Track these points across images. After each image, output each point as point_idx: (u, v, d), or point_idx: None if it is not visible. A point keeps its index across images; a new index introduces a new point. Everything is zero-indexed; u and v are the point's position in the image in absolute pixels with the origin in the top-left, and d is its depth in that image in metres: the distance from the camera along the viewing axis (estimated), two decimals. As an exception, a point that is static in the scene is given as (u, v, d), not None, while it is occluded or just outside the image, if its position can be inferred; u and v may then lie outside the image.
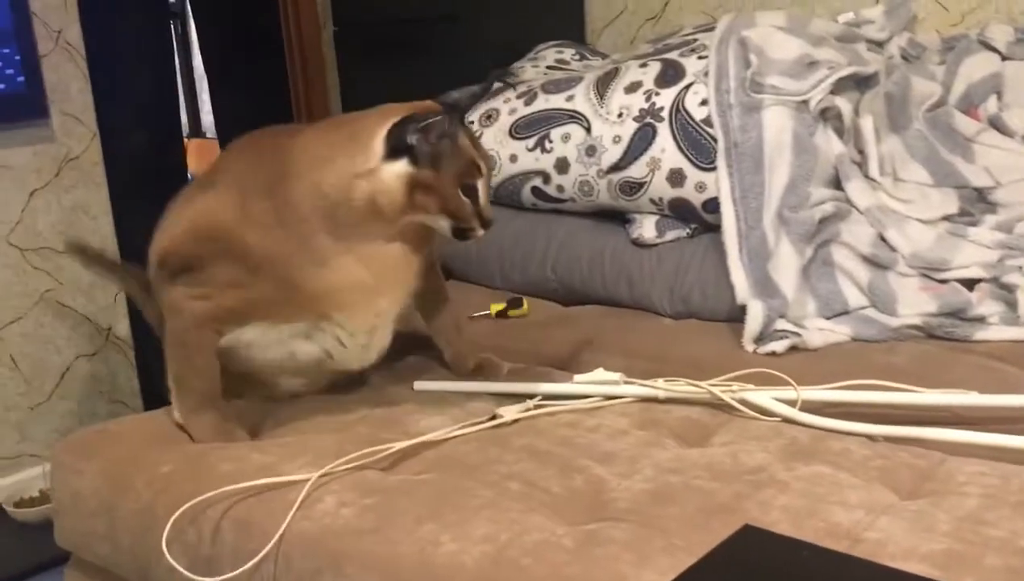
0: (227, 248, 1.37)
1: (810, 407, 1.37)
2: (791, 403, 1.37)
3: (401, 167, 1.32)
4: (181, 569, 1.18)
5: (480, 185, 1.37)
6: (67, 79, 2.49)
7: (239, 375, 1.49)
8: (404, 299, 1.45)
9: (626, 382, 1.46)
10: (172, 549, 1.21)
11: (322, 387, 1.55)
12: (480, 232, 1.38)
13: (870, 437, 1.29)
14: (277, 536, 1.15)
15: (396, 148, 1.32)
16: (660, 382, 1.45)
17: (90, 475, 1.41)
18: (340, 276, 1.36)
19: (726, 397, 1.39)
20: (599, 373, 1.47)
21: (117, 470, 1.38)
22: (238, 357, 1.47)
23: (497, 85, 1.42)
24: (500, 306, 1.98)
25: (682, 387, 1.44)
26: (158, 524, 1.26)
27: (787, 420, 1.36)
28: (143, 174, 2.89)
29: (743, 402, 1.39)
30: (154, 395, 2.45)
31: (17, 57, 2.35)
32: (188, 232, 1.42)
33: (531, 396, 1.46)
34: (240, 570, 1.16)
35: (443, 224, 1.37)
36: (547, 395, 1.47)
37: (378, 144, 1.33)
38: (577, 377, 1.48)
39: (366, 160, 1.33)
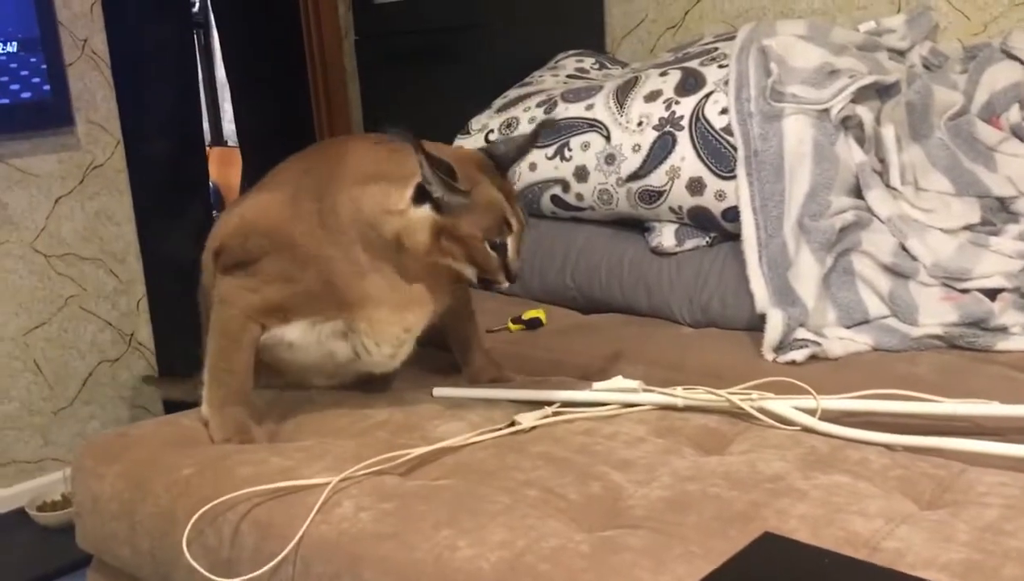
0: (277, 243, 1.43)
1: (830, 417, 1.36)
2: (811, 412, 1.37)
3: (426, 213, 1.35)
4: (201, 569, 1.19)
5: (510, 241, 1.38)
6: (92, 87, 2.53)
7: (270, 367, 1.53)
8: (431, 319, 1.48)
9: (645, 390, 1.46)
10: (192, 551, 1.22)
11: (347, 384, 1.59)
12: (505, 284, 1.40)
13: (889, 447, 1.28)
14: (296, 539, 1.15)
15: (423, 195, 1.35)
16: (679, 390, 1.45)
17: (111, 478, 1.42)
18: (371, 291, 1.41)
19: (745, 406, 1.39)
20: (618, 381, 1.47)
21: (137, 473, 1.39)
22: (278, 358, 1.52)
23: (540, 128, 1.44)
24: (519, 326, 1.97)
25: (701, 395, 1.43)
26: (178, 527, 1.28)
27: (807, 429, 1.35)
28: (166, 182, 2.92)
29: (762, 411, 1.39)
30: (175, 401, 2.47)
31: (44, 66, 2.38)
32: (241, 227, 1.49)
33: (549, 403, 1.46)
34: (259, 572, 1.17)
35: (468, 271, 1.39)
36: (565, 403, 1.47)
37: (411, 183, 1.35)
38: (596, 385, 1.48)
39: (398, 200, 1.37)
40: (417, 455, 1.29)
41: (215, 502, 1.23)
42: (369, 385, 1.59)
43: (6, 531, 2.36)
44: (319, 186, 1.44)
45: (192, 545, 1.23)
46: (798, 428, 1.36)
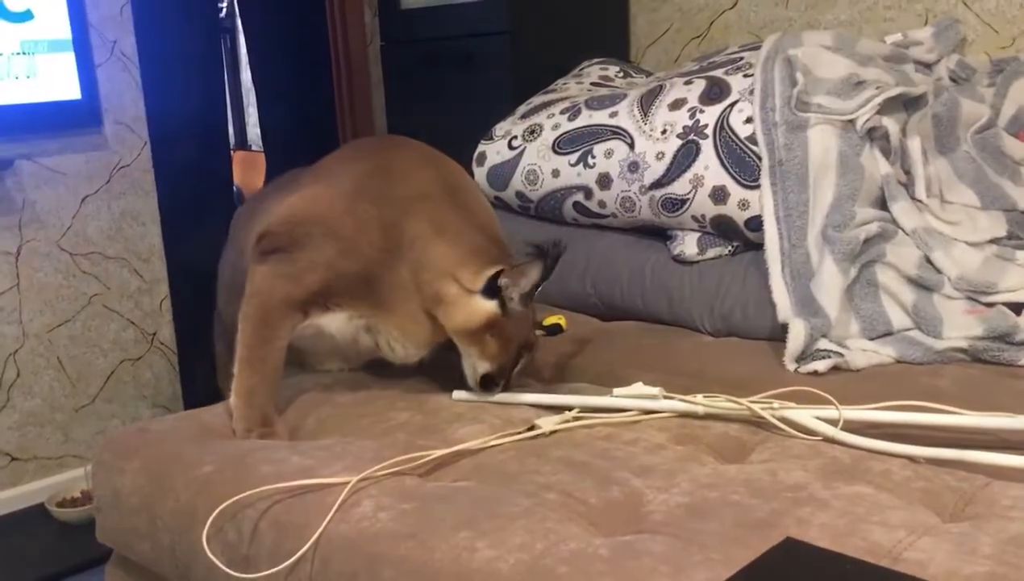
0: (327, 232, 1.48)
1: (853, 428, 1.36)
2: (833, 423, 1.36)
3: (492, 306, 1.46)
4: (221, 565, 1.20)
5: (524, 358, 1.53)
6: (121, 89, 2.55)
7: (291, 348, 1.56)
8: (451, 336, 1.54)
9: (665, 397, 1.46)
10: (211, 547, 1.22)
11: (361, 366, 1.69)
12: (496, 393, 1.50)
13: (912, 459, 1.27)
14: (314, 538, 1.16)
15: (491, 288, 1.46)
16: (699, 398, 1.44)
17: (131, 474, 1.43)
18: (404, 305, 1.49)
19: (767, 414, 1.38)
20: (638, 387, 1.47)
21: (158, 469, 1.40)
22: (304, 343, 1.57)
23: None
24: (540, 332, 1.97)
25: (722, 403, 1.43)
26: (198, 524, 1.28)
27: (828, 440, 1.34)
28: (191, 184, 2.93)
29: (784, 420, 1.38)
30: (196, 401, 2.49)
31: (74, 66, 2.41)
32: (291, 214, 1.52)
33: (569, 408, 1.46)
34: (277, 569, 1.17)
35: (483, 368, 1.49)
36: (585, 408, 1.47)
37: (483, 270, 1.47)
38: (616, 391, 1.48)
39: (470, 280, 1.47)
40: (437, 457, 1.30)
41: (235, 499, 1.24)
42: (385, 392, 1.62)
43: (26, 527, 2.38)
44: (383, 196, 1.50)
45: (211, 541, 1.23)
46: (819, 438, 1.35)
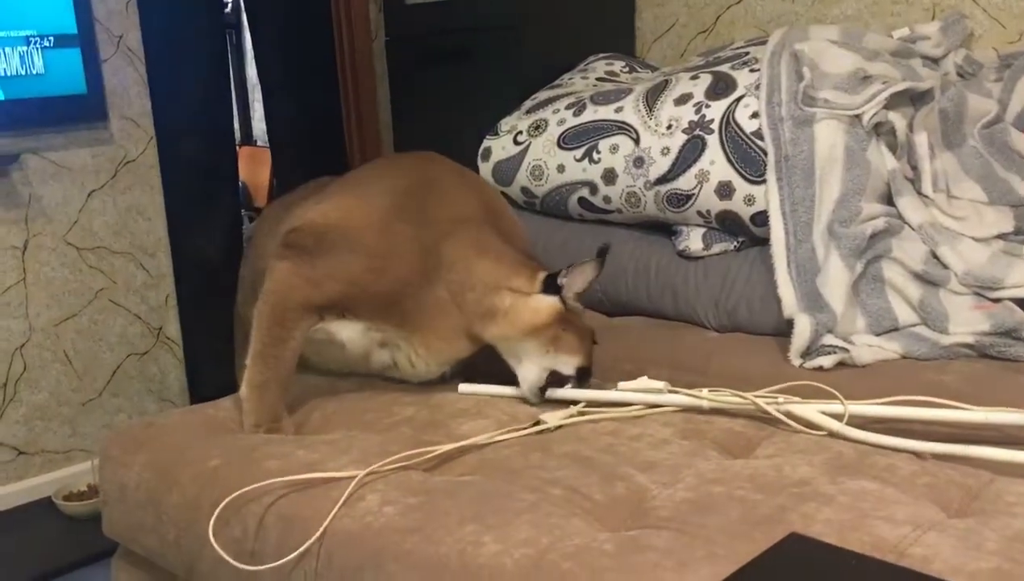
0: (355, 246, 1.48)
1: (858, 423, 1.35)
2: (838, 417, 1.36)
3: (555, 301, 1.49)
4: (228, 558, 1.20)
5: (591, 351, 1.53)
6: (126, 83, 2.56)
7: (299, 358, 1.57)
8: (474, 352, 1.56)
9: (670, 391, 1.46)
10: (217, 541, 1.22)
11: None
12: (568, 387, 1.49)
13: (917, 454, 1.27)
14: (320, 530, 1.16)
15: (549, 286, 1.49)
16: (705, 392, 1.44)
17: (137, 468, 1.43)
18: (435, 323, 1.49)
19: (771, 409, 1.38)
20: (643, 381, 1.47)
21: (164, 464, 1.41)
22: (315, 347, 1.56)
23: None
24: None
25: (727, 398, 1.43)
26: (204, 518, 1.29)
27: (833, 434, 1.34)
28: (197, 179, 2.93)
29: (789, 415, 1.38)
30: (202, 395, 2.49)
31: (80, 61, 2.42)
32: (323, 223, 1.51)
33: (575, 402, 1.46)
34: (283, 561, 1.17)
35: (562, 365, 1.49)
36: (591, 402, 1.47)
37: (531, 274, 1.50)
38: (621, 384, 1.48)
39: (525, 284, 1.50)
40: (443, 451, 1.30)
41: (242, 491, 1.24)
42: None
43: (33, 520, 2.39)
44: (422, 217, 1.51)
45: (217, 536, 1.24)
46: (824, 433, 1.35)
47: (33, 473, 2.49)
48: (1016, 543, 1.02)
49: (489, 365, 1.58)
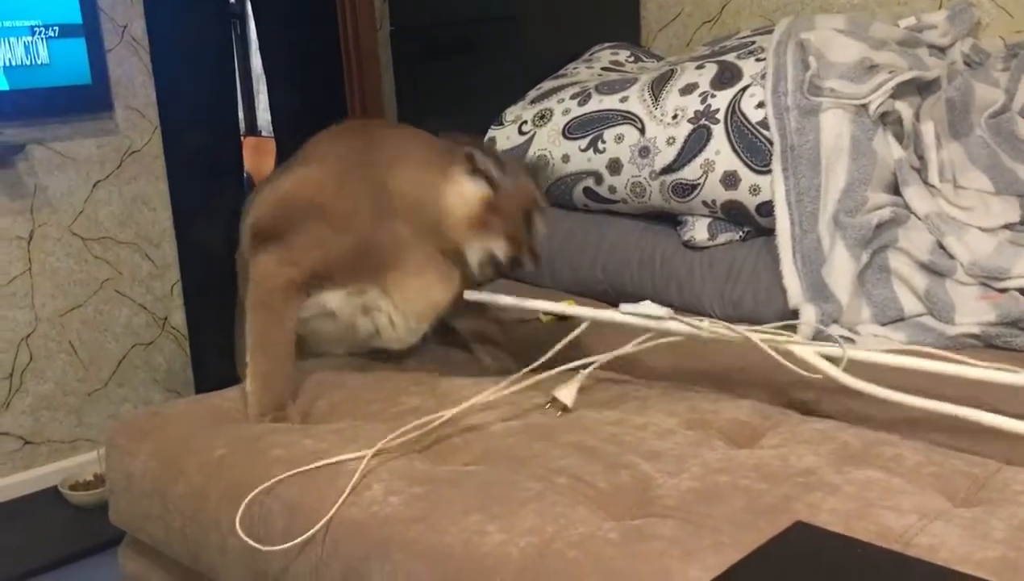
0: (319, 213, 1.52)
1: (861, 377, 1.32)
2: (836, 362, 1.33)
3: (480, 188, 1.51)
4: (247, 539, 1.20)
5: (537, 217, 1.54)
6: (131, 73, 2.56)
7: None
8: (453, 301, 1.57)
9: (671, 318, 1.43)
10: (222, 530, 1.23)
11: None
12: (530, 267, 1.54)
13: (910, 406, 1.26)
14: (326, 519, 1.16)
15: (474, 171, 1.51)
16: (706, 322, 1.43)
17: (143, 457, 1.44)
18: (406, 260, 1.52)
19: (766, 347, 1.35)
20: (646, 305, 1.46)
21: (170, 453, 1.41)
22: (307, 327, 1.59)
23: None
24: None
25: (723, 331, 1.40)
26: (210, 507, 1.29)
27: (829, 378, 1.32)
28: (202, 169, 2.94)
29: (787, 354, 1.35)
30: (207, 385, 2.50)
31: (84, 51, 2.42)
32: (282, 201, 1.57)
33: (570, 320, 1.48)
34: (290, 543, 1.18)
35: (503, 249, 1.52)
36: (594, 321, 1.48)
37: (459, 164, 1.52)
38: (623, 306, 1.47)
39: (453, 178, 1.52)
40: (449, 416, 1.32)
41: (263, 486, 1.24)
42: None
43: (40, 510, 2.40)
44: (367, 163, 1.55)
45: (222, 524, 1.24)
46: (819, 375, 1.33)
47: (39, 463, 2.50)
48: (1023, 532, 1.01)
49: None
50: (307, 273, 1.51)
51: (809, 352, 1.35)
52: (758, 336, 1.38)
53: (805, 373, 1.34)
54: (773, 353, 1.36)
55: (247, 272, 1.60)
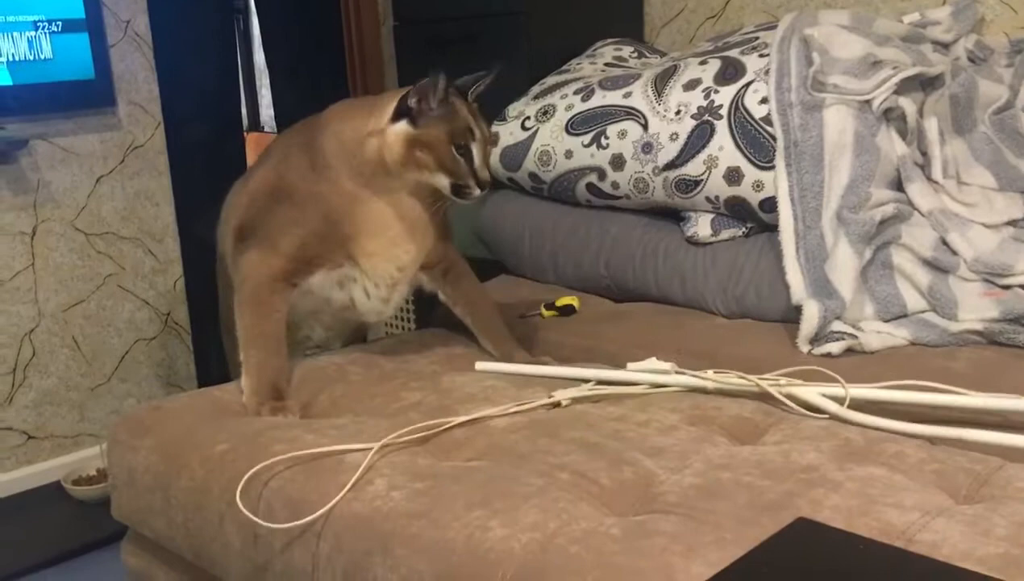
0: (279, 196, 1.58)
1: (863, 408, 1.35)
2: (839, 400, 1.35)
3: (402, 127, 1.52)
4: (254, 517, 1.20)
5: (474, 148, 1.54)
6: (134, 69, 2.56)
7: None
8: (421, 256, 1.62)
9: (677, 372, 1.46)
10: (225, 523, 1.23)
11: (344, 338, 1.82)
12: (476, 191, 1.53)
13: (913, 436, 1.27)
14: (330, 505, 1.17)
15: (400, 112, 1.53)
16: (710, 373, 1.44)
17: (145, 452, 1.44)
18: (363, 220, 1.55)
19: (773, 391, 1.38)
20: (651, 362, 1.48)
21: (172, 447, 1.41)
22: (300, 305, 1.63)
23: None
24: (552, 312, 1.97)
25: (731, 379, 1.42)
26: (212, 502, 1.29)
27: (834, 417, 1.34)
28: (204, 164, 2.94)
29: (790, 397, 1.37)
30: (210, 380, 2.50)
31: (88, 46, 2.41)
32: (251, 197, 1.63)
33: (585, 381, 1.47)
34: (292, 524, 1.18)
35: (443, 181, 1.53)
36: (601, 381, 1.48)
37: (389, 110, 1.54)
38: (630, 365, 1.49)
39: (377, 121, 1.54)
40: (456, 426, 1.32)
41: (266, 463, 1.24)
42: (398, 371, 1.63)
43: (42, 504, 2.40)
44: (306, 140, 1.60)
45: (225, 517, 1.24)
46: (826, 416, 1.34)
47: (42, 458, 2.50)
48: (1025, 529, 1.01)
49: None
50: (287, 258, 1.55)
51: (813, 393, 1.37)
52: (765, 383, 1.41)
53: (812, 415, 1.36)
54: (779, 396, 1.38)
55: (227, 277, 1.63)
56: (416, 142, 1.52)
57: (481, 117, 1.59)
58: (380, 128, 1.54)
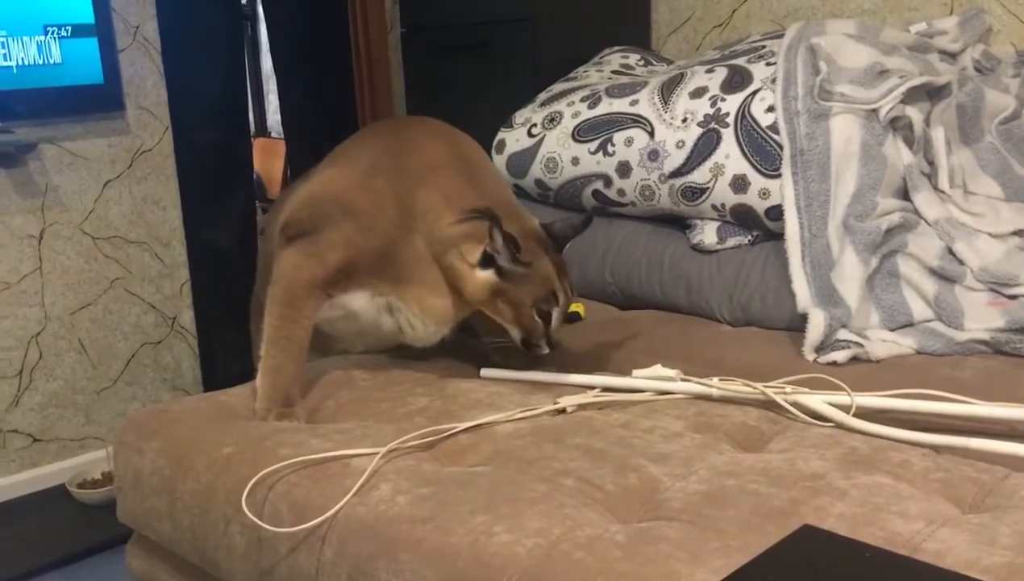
0: (346, 212, 1.52)
1: (868, 416, 1.35)
2: (845, 409, 1.35)
3: (490, 276, 1.48)
4: (259, 521, 1.21)
5: (555, 313, 1.51)
6: (143, 73, 2.57)
7: (319, 332, 1.60)
8: (470, 311, 1.58)
9: (682, 379, 1.46)
10: (230, 527, 1.23)
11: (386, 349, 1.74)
12: (545, 350, 1.51)
13: (920, 445, 1.27)
14: (335, 509, 1.17)
15: (489, 259, 1.48)
16: (715, 381, 1.44)
17: (151, 454, 1.44)
18: (426, 279, 1.52)
19: (779, 399, 1.38)
20: (657, 369, 1.48)
21: (178, 450, 1.41)
22: (332, 326, 1.61)
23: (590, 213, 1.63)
24: None
25: (736, 387, 1.42)
26: (217, 505, 1.30)
27: (839, 425, 1.34)
28: (212, 169, 2.95)
29: (795, 405, 1.37)
30: (215, 385, 2.51)
31: (97, 51, 2.43)
32: (311, 199, 1.57)
33: (591, 388, 1.47)
34: (299, 527, 1.18)
35: (516, 334, 1.52)
36: (606, 387, 1.49)
37: (480, 251, 1.48)
38: (635, 372, 1.49)
39: (469, 253, 1.49)
40: (461, 431, 1.32)
41: (274, 467, 1.25)
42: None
43: (48, 507, 2.40)
44: (397, 170, 1.54)
45: (231, 522, 1.24)
46: (831, 424, 1.34)
47: (48, 461, 2.51)
48: (1030, 539, 1.01)
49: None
50: (331, 270, 1.51)
51: (818, 401, 1.37)
52: (770, 391, 1.41)
53: (817, 423, 1.35)
54: (784, 403, 1.38)
55: (270, 267, 1.61)
56: (500, 293, 1.48)
57: (566, 274, 1.55)
58: (469, 261, 1.48)
